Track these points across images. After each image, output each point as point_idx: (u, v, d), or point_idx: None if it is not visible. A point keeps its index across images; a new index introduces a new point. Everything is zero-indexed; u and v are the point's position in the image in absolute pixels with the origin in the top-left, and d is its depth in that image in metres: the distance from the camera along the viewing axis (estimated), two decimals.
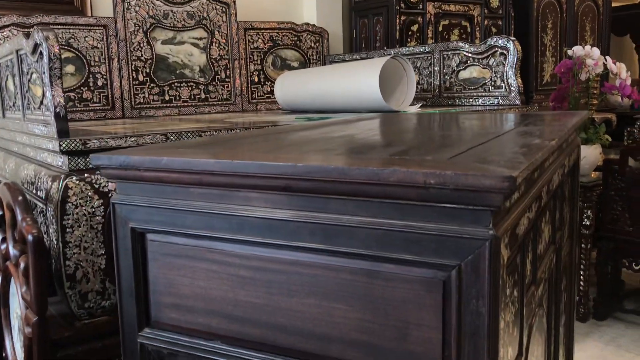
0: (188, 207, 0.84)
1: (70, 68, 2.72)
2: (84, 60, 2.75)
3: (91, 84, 2.77)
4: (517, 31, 3.83)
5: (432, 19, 3.55)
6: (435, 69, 2.94)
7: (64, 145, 1.46)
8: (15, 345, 1.57)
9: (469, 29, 3.73)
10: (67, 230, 1.43)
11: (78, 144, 1.48)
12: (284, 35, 3.38)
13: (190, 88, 3.06)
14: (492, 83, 2.71)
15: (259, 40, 3.29)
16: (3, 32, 2.61)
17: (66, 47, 2.69)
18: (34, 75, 1.65)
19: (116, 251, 0.91)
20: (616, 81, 2.87)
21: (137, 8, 2.88)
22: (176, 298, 0.88)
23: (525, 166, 0.70)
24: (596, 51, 2.82)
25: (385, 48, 3.41)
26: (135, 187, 0.88)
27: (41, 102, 1.61)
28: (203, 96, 3.11)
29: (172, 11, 2.99)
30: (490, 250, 0.65)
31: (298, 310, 0.78)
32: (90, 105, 2.77)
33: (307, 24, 3.50)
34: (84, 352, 1.48)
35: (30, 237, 1.31)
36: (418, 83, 2.95)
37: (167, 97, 2.99)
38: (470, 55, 2.79)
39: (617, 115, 3.82)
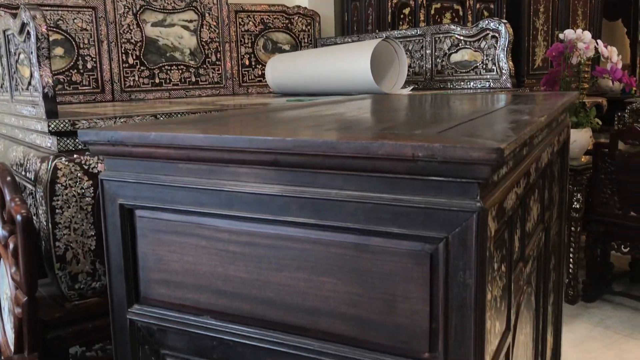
0: (177, 182, 0.83)
1: (59, 50, 2.69)
2: (73, 43, 2.72)
3: (80, 67, 2.74)
4: (509, 15, 3.81)
5: (424, 2, 3.53)
6: (427, 52, 2.93)
7: (52, 125, 1.45)
8: (6, 326, 1.57)
9: (460, 13, 3.71)
10: (57, 211, 1.42)
11: (67, 125, 1.47)
12: (275, 18, 3.36)
13: (180, 71, 3.04)
14: (484, 66, 2.71)
15: (250, 23, 3.27)
16: None
17: (55, 29, 2.66)
18: (22, 56, 1.63)
19: (105, 228, 0.90)
20: (607, 65, 2.87)
21: None
22: (165, 274, 0.88)
23: (514, 139, 0.71)
24: (588, 35, 2.82)
25: (377, 31, 3.40)
26: (123, 163, 0.88)
27: (29, 83, 1.60)
28: (193, 79, 3.08)
29: None
30: (478, 222, 0.65)
31: (287, 284, 0.78)
32: (79, 88, 2.75)
33: (299, 6, 3.48)
34: (74, 333, 1.48)
35: (19, 217, 1.31)
36: (410, 66, 2.94)
37: (157, 80, 2.97)
38: (461, 38, 2.78)
39: (608, 100, 3.82)
